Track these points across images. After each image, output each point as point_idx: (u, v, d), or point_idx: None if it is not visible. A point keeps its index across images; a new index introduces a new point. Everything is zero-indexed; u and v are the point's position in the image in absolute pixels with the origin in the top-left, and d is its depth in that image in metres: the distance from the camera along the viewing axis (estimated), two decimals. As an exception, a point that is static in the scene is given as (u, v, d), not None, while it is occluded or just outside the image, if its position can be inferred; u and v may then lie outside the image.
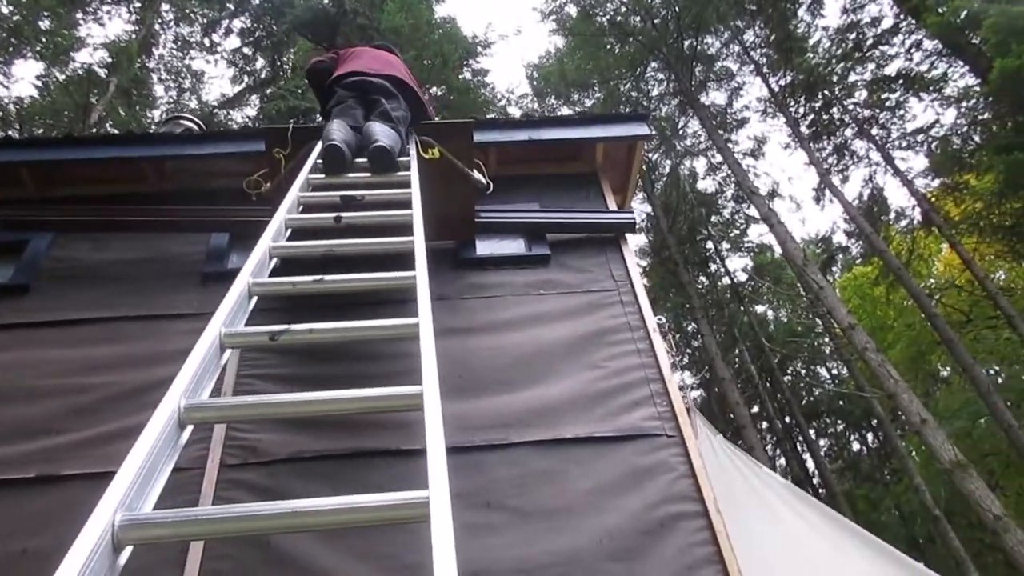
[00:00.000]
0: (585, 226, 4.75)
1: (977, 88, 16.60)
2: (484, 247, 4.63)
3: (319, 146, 3.63)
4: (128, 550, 1.20)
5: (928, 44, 18.33)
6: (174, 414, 1.47)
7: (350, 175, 3.45)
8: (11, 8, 22.42)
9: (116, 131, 22.51)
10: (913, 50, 19.05)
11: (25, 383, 3.75)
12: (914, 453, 21.86)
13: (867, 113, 20.88)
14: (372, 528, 2.47)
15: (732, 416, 20.39)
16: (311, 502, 1.31)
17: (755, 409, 24.91)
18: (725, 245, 27.29)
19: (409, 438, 3.28)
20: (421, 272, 2.10)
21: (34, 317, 4.15)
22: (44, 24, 23.48)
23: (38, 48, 23.04)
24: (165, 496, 1.36)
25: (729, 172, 22.42)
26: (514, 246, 4.69)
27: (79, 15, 24.65)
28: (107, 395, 3.65)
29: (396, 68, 4.44)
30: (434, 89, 21.25)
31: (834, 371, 28.49)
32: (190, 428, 1.53)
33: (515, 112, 25.07)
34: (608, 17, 24.43)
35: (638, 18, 23.74)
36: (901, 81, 19.54)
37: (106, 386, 3.70)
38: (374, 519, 1.31)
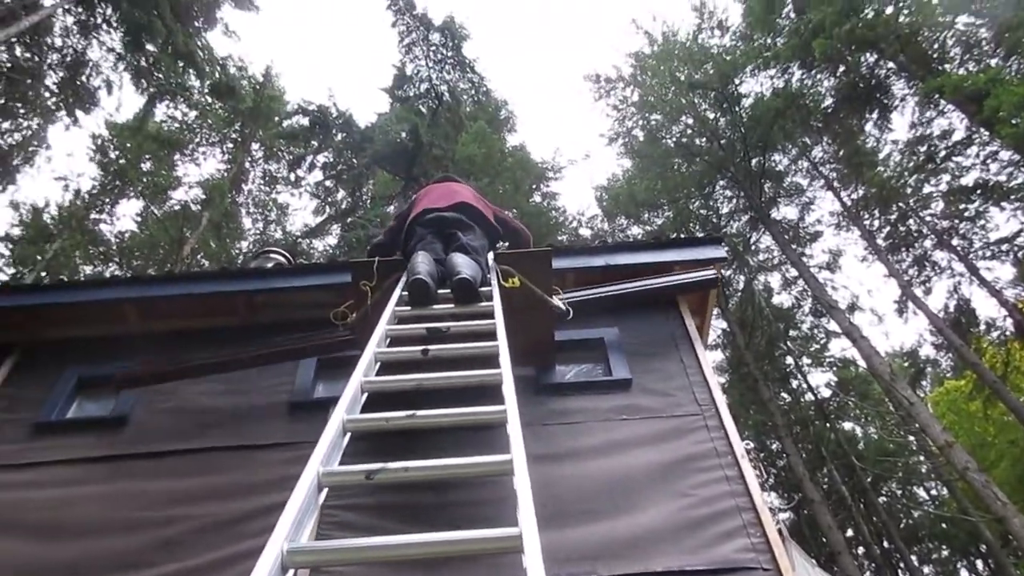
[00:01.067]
0: (666, 289, 4.81)
1: (1061, 196, 16.18)
2: (564, 372, 4.63)
3: (404, 278, 3.76)
4: None
5: (1004, 155, 18.02)
6: (277, 559, 1.49)
7: (435, 307, 3.54)
8: (117, 152, 24.47)
9: (207, 263, 23.89)
10: (989, 161, 18.75)
11: (120, 515, 3.85)
12: (1032, 582, 20.11)
13: (946, 224, 20.43)
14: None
15: (825, 541, 19.21)
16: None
17: (849, 533, 23.43)
18: (806, 360, 26.44)
19: (493, 571, 3.20)
20: (511, 408, 2.11)
21: (130, 449, 4.31)
22: (146, 166, 25.51)
23: (140, 188, 24.92)
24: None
25: (805, 286, 22.11)
26: (595, 371, 4.68)
27: (177, 157, 26.67)
28: (198, 527, 3.71)
29: (463, 195, 4.56)
30: (507, 213, 21.83)
31: (933, 491, 26.85)
32: (291, 573, 1.54)
33: (586, 233, 25.48)
34: (675, 139, 25.03)
35: (704, 139, 24.23)
36: (979, 191, 19.13)
37: (198, 518, 3.76)
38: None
